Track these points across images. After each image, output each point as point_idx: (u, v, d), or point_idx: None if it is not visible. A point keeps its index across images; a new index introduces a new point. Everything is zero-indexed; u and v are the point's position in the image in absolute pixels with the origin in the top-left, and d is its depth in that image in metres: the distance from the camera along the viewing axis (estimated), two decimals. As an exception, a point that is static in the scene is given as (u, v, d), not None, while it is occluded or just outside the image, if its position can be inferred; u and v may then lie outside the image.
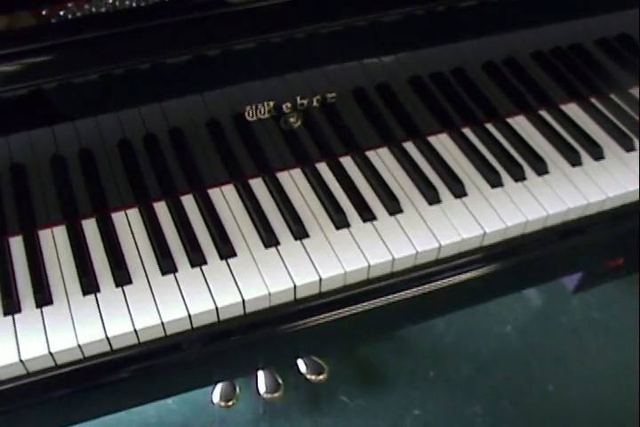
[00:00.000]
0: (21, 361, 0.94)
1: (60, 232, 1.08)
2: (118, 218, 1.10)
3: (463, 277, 1.13)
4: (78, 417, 1.08)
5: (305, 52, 1.10)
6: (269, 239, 1.07)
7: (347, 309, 1.08)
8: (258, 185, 1.15)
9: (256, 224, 1.09)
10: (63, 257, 1.05)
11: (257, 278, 1.03)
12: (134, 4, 1.00)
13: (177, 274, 1.03)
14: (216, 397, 1.62)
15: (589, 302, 2.09)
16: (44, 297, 1.00)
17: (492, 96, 1.27)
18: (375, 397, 1.87)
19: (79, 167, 1.09)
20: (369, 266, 1.05)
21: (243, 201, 1.13)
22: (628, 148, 1.24)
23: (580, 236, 1.19)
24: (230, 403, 1.62)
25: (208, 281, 1.02)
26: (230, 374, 1.32)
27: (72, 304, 0.99)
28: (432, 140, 1.23)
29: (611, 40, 1.34)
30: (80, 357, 0.98)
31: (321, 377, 1.67)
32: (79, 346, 0.96)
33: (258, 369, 1.58)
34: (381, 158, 1.20)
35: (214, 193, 1.13)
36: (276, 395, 1.62)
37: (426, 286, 1.11)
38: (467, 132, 1.25)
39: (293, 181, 1.16)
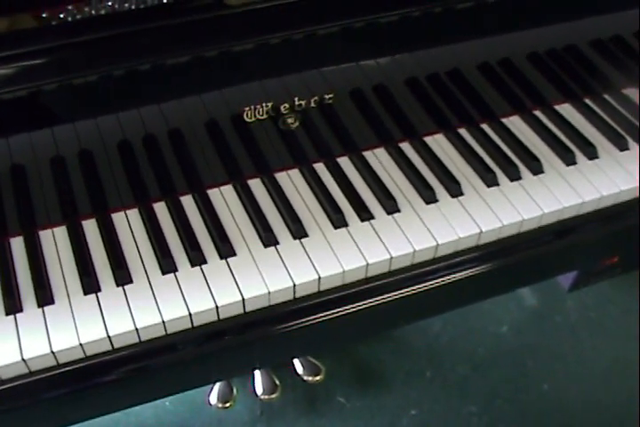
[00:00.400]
0: (24, 360, 0.94)
1: (61, 232, 1.08)
2: (118, 218, 1.11)
3: (460, 275, 1.13)
4: (79, 416, 1.09)
5: (302, 53, 1.11)
6: (268, 239, 1.08)
7: (345, 307, 1.09)
8: (256, 185, 1.16)
9: (255, 224, 1.10)
10: (64, 257, 1.06)
11: (256, 277, 1.04)
12: (133, 7, 1.01)
13: (177, 273, 1.04)
14: (213, 398, 1.62)
15: (584, 302, 2.10)
16: (45, 297, 1.00)
17: (487, 97, 1.28)
18: (372, 397, 1.88)
19: (79, 168, 1.10)
20: (367, 265, 1.06)
21: (242, 201, 1.13)
22: (622, 147, 1.25)
23: (575, 234, 1.20)
24: (227, 404, 1.62)
25: (208, 280, 1.03)
26: (230, 373, 1.33)
27: (73, 304, 1.00)
28: (428, 140, 1.24)
29: (605, 41, 1.35)
30: (82, 355, 0.98)
31: (318, 378, 1.67)
32: (81, 345, 0.96)
33: (257, 368, 1.58)
34: (378, 158, 1.21)
35: (213, 193, 1.14)
36: (273, 396, 1.62)
37: (423, 284, 1.12)
38: (463, 132, 1.26)
39: (292, 182, 1.17)
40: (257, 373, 1.64)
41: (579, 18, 1.26)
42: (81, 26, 0.99)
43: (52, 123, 1.04)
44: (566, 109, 1.32)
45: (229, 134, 1.14)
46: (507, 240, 1.15)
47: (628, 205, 1.22)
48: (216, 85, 1.09)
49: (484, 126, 1.27)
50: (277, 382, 1.63)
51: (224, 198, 1.14)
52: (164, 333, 1.01)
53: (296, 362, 1.66)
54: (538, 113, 1.30)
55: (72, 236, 1.08)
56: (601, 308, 2.09)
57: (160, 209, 1.12)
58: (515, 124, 1.28)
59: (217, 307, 1.01)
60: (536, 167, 1.20)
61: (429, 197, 1.15)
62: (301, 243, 1.08)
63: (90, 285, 1.02)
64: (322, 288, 1.07)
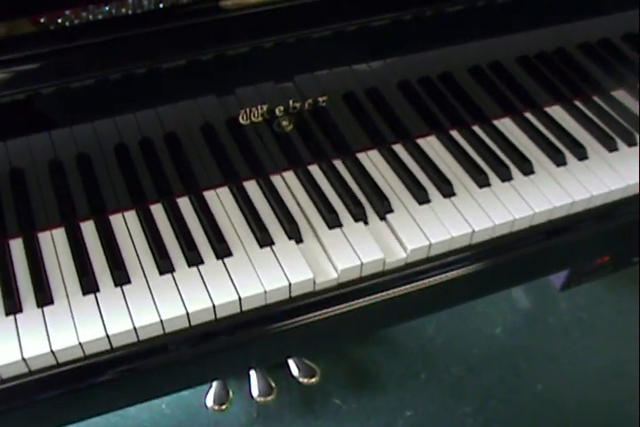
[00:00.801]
0: (24, 359, 0.95)
1: (60, 234, 1.09)
2: (116, 220, 1.11)
3: (453, 274, 1.15)
4: (78, 415, 1.09)
5: (296, 56, 1.12)
6: (264, 239, 1.09)
7: (340, 306, 1.10)
8: (252, 187, 1.17)
9: (251, 225, 1.11)
10: (63, 258, 1.07)
11: (253, 277, 1.05)
12: (130, 12, 1.02)
13: (174, 273, 1.05)
14: (210, 401, 1.62)
15: (577, 303, 2.12)
16: (44, 297, 1.01)
17: (478, 99, 1.30)
18: (367, 399, 1.89)
19: (77, 171, 1.11)
20: (362, 264, 1.07)
21: (237, 203, 1.14)
22: (611, 148, 1.26)
23: (566, 234, 1.21)
24: (224, 407, 1.62)
25: (205, 280, 1.04)
26: (227, 372, 1.34)
27: (72, 304, 1.01)
28: (421, 142, 1.25)
29: (593, 45, 1.37)
30: (81, 355, 0.99)
31: (313, 380, 1.67)
32: (80, 344, 0.97)
33: (253, 367, 1.59)
34: (372, 160, 1.23)
35: (210, 195, 1.15)
36: (269, 398, 1.63)
37: (417, 283, 1.13)
38: (454, 134, 1.27)
39: (286, 183, 1.18)
40: (253, 375, 1.64)
41: (567, 21, 1.28)
42: (78, 31, 1.00)
43: (49, 127, 1.05)
44: (556, 111, 1.33)
45: (225, 137, 1.16)
46: (499, 240, 1.17)
47: (618, 205, 1.23)
48: (212, 89, 1.11)
49: (476, 128, 1.28)
50: (273, 384, 1.64)
51: (220, 200, 1.15)
52: (161, 332, 1.02)
53: (292, 364, 1.67)
54: (528, 115, 1.32)
55: (70, 237, 1.09)
56: (593, 308, 2.11)
57: (157, 211, 1.13)
58: (506, 125, 1.30)
59: (214, 306, 1.02)
60: (527, 168, 1.22)
61: (422, 197, 1.16)
62: (296, 243, 1.10)
63: (88, 285, 1.03)
64: (317, 288, 1.08)
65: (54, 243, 1.09)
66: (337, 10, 1.10)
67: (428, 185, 1.18)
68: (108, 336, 0.98)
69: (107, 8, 1.01)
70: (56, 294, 1.02)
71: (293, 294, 1.07)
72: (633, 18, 1.33)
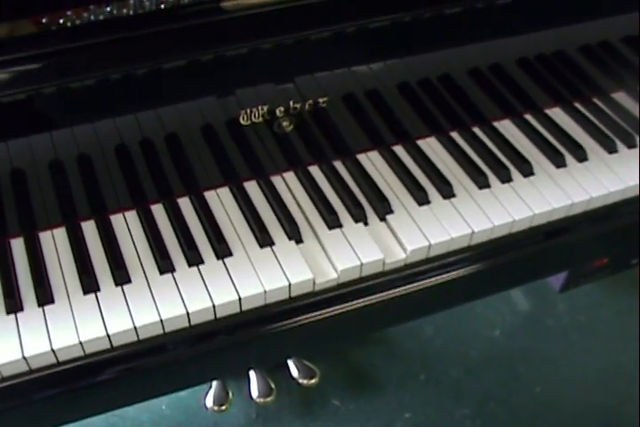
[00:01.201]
0: (24, 358, 0.96)
1: (60, 234, 1.10)
2: (117, 220, 1.12)
3: (452, 275, 1.15)
4: (78, 414, 1.10)
5: (297, 58, 1.13)
6: (264, 239, 1.09)
7: (339, 306, 1.10)
8: (252, 187, 1.17)
9: (251, 225, 1.12)
10: (63, 258, 1.07)
11: (252, 277, 1.05)
12: (131, 13, 1.03)
13: (175, 273, 1.05)
14: (209, 401, 1.62)
15: (576, 305, 2.12)
16: (45, 296, 1.01)
17: (478, 101, 1.30)
18: (366, 400, 1.89)
19: (78, 171, 1.11)
20: (361, 265, 1.08)
21: (238, 203, 1.15)
22: (611, 150, 1.27)
23: (565, 235, 1.22)
24: (223, 407, 1.62)
25: (205, 280, 1.04)
26: (227, 372, 1.35)
27: (73, 303, 1.01)
28: (421, 143, 1.26)
29: (593, 47, 1.37)
30: (81, 354, 0.99)
31: (313, 381, 1.68)
32: (80, 343, 0.97)
33: (253, 367, 1.59)
34: (372, 161, 1.23)
35: (210, 195, 1.16)
36: (269, 399, 1.63)
37: (416, 284, 1.13)
38: (454, 135, 1.27)
39: (286, 184, 1.19)
40: (252, 376, 1.65)
41: (568, 23, 1.29)
42: (80, 31, 1.01)
43: (50, 127, 1.06)
44: (556, 113, 1.34)
45: (225, 137, 1.16)
46: (498, 241, 1.17)
47: (617, 207, 1.24)
48: (212, 89, 1.11)
49: (476, 130, 1.29)
50: (273, 385, 1.64)
51: (220, 200, 1.15)
52: (161, 331, 1.02)
53: (291, 365, 1.68)
54: (528, 117, 1.32)
55: (71, 237, 1.09)
56: (592, 310, 2.11)
57: (158, 211, 1.13)
58: (506, 127, 1.30)
59: (214, 306, 1.02)
60: (527, 169, 1.22)
61: (422, 198, 1.16)
62: (296, 243, 1.10)
63: (89, 284, 1.03)
64: (317, 288, 1.08)
65: (55, 242, 1.09)
66: (337, 11, 1.10)
67: (427, 186, 1.19)
68: (108, 335, 0.99)
69: (108, 9, 1.01)
70: (57, 293, 1.03)
71: (293, 295, 1.07)
72: (633, 20, 1.33)
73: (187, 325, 1.03)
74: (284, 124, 1.18)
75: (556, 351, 2.01)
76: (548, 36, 1.31)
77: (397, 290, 1.12)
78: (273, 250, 1.09)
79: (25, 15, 0.99)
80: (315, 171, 1.20)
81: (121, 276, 1.04)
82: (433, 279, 1.14)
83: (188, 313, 1.01)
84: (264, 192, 1.17)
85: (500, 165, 1.22)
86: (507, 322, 2.08)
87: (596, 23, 1.32)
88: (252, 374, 1.64)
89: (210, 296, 1.03)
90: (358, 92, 1.22)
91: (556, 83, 1.35)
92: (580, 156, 1.25)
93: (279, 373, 1.67)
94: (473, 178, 1.21)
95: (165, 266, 1.06)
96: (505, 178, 1.21)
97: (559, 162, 1.24)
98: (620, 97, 1.38)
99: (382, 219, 1.15)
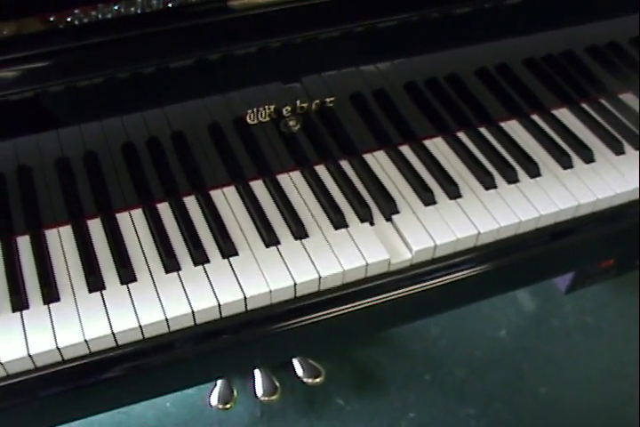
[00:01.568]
0: (30, 356, 0.96)
1: (67, 232, 1.10)
2: (123, 218, 1.12)
3: (458, 275, 1.15)
4: (82, 412, 1.10)
5: (304, 57, 1.13)
6: (270, 239, 1.09)
7: (344, 306, 1.10)
8: (258, 187, 1.17)
9: (257, 224, 1.12)
10: (69, 256, 1.07)
11: (258, 276, 1.05)
12: (139, 11, 1.03)
13: (180, 272, 1.05)
14: (214, 399, 1.63)
15: (581, 306, 2.12)
16: (51, 294, 1.02)
17: (485, 101, 1.30)
18: (370, 400, 1.89)
19: (84, 169, 1.11)
20: (367, 265, 1.08)
21: (244, 202, 1.15)
22: (618, 151, 1.27)
23: (572, 237, 1.21)
24: (228, 406, 1.63)
25: (211, 279, 1.04)
26: (232, 371, 1.35)
27: (78, 301, 1.02)
28: (427, 143, 1.26)
29: (601, 47, 1.37)
30: (86, 352, 0.99)
31: (317, 380, 1.68)
32: (85, 341, 0.98)
33: (258, 366, 1.59)
34: (378, 161, 1.23)
35: (216, 194, 1.16)
36: (274, 398, 1.63)
37: (422, 284, 1.13)
38: (461, 136, 1.27)
39: (293, 183, 1.19)
40: (257, 374, 1.65)
41: (575, 24, 1.28)
42: (87, 29, 1.01)
43: (57, 125, 1.06)
44: (563, 114, 1.34)
45: (232, 136, 1.16)
46: (504, 241, 1.17)
47: (624, 208, 1.23)
48: (219, 88, 1.11)
49: (483, 130, 1.28)
50: (277, 383, 1.64)
51: (227, 199, 1.15)
52: (167, 330, 1.02)
53: (296, 364, 1.68)
54: (535, 117, 1.32)
55: (77, 235, 1.09)
56: (598, 312, 2.10)
57: (164, 209, 1.13)
58: (513, 128, 1.30)
59: (219, 305, 1.02)
60: (533, 170, 1.22)
61: (428, 198, 1.16)
62: (302, 243, 1.10)
63: (95, 283, 1.03)
64: (322, 287, 1.08)
65: (61, 240, 1.09)
66: (345, 11, 1.10)
67: (434, 186, 1.18)
68: (113, 334, 0.99)
69: (116, 7, 1.01)
70: (62, 291, 1.03)
71: (298, 294, 1.07)
72: (641, 21, 1.33)
73: (192, 323, 1.03)
74: (291, 123, 1.18)
75: (560, 352, 2.01)
76: (555, 36, 1.30)
77: (403, 290, 1.12)
78: (278, 249, 1.09)
79: (33, 13, 0.99)
80: (321, 170, 1.20)
81: (127, 274, 1.04)
82: (438, 280, 1.14)
83: (193, 312, 1.01)
84: (270, 191, 1.17)
85: (506, 166, 1.22)
86: (512, 323, 2.07)
87: (603, 24, 1.32)
88: (256, 372, 1.65)
89: (215, 295, 1.03)
90: (365, 92, 1.22)
91: (563, 83, 1.35)
92: (587, 157, 1.25)
93: (284, 371, 1.67)
94: (479, 178, 1.20)
95: (171, 265, 1.06)
96: (511, 178, 1.20)
97: (566, 163, 1.23)
98: (628, 98, 1.38)
99: (388, 219, 1.15)
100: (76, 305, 1.01)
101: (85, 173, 1.12)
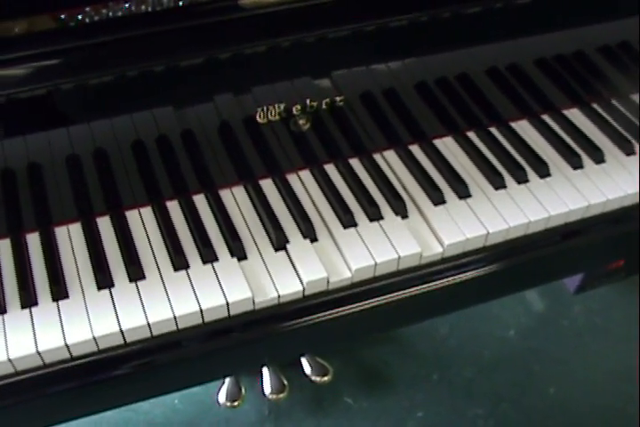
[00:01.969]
0: (38, 353, 0.96)
1: (76, 229, 1.10)
2: (132, 216, 1.12)
3: (467, 275, 1.14)
4: (90, 409, 1.11)
5: (314, 56, 1.13)
6: (279, 238, 1.09)
7: (353, 306, 1.10)
8: (268, 185, 1.17)
9: (265, 223, 1.12)
10: (78, 253, 1.07)
11: (265, 276, 1.05)
12: (149, 9, 1.03)
13: (189, 270, 1.05)
14: (222, 397, 1.63)
15: (591, 307, 2.11)
16: (60, 291, 1.02)
17: (495, 101, 1.30)
18: (378, 399, 1.89)
19: (94, 167, 1.12)
20: (375, 264, 1.08)
21: (252, 201, 1.15)
22: (629, 151, 1.26)
23: (582, 237, 1.21)
24: (236, 403, 1.63)
25: (219, 277, 1.04)
26: (239, 369, 1.35)
27: (87, 298, 1.02)
28: (437, 143, 1.26)
29: (612, 47, 1.36)
30: (94, 349, 1.00)
31: (325, 379, 1.68)
32: (94, 338, 0.98)
33: (265, 365, 1.59)
34: (388, 161, 1.23)
35: (225, 193, 1.16)
36: (281, 396, 1.64)
37: (430, 284, 1.13)
38: (471, 135, 1.27)
39: (302, 182, 1.18)
40: (265, 373, 1.65)
41: (586, 24, 1.28)
42: (98, 27, 1.01)
43: (68, 122, 1.06)
44: (574, 114, 1.33)
45: (241, 135, 1.16)
46: (513, 242, 1.16)
47: (634, 209, 1.23)
48: (229, 87, 1.11)
49: (493, 130, 1.28)
50: (285, 382, 1.65)
51: (235, 198, 1.15)
52: (175, 328, 1.02)
53: (304, 362, 1.68)
54: (546, 117, 1.31)
55: (87, 232, 1.09)
56: (607, 313, 2.10)
57: (173, 208, 1.13)
58: (523, 128, 1.30)
59: (227, 303, 1.02)
60: (543, 170, 1.21)
61: (438, 198, 1.16)
62: (311, 242, 1.10)
63: (103, 280, 1.03)
64: (330, 287, 1.08)
65: (70, 238, 1.10)
66: (355, 10, 1.10)
67: (443, 186, 1.18)
68: (121, 331, 0.99)
69: (126, 5, 1.01)
70: (71, 289, 1.03)
71: (307, 293, 1.07)
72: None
73: (200, 322, 1.03)
74: (301, 122, 1.18)
75: (569, 352, 2.00)
76: (566, 36, 1.30)
77: (411, 290, 1.12)
78: (287, 248, 1.09)
79: (44, 11, 0.99)
80: (330, 169, 1.20)
81: (135, 272, 1.05)
82: (447, 279, 1.14)
83: (201, 310, 1.01)
84: (279, 190, 1.17)
85: (516, 166, 1.21)
86: (521, 323, 2.07)
87: (614, 24, 1.32)
88: (265, 370, 1.65)
89: (224, 294, 1.03)
90: (375, 91, 1.22)
91: (574, 83, 1.34)
92: (597, 157, 1.24)
93: (292, 370, 1.67)
94: (489, 178, 1.20)
95: (180, 263, 1.06)
96: (521, 179, 1.20)
97: (576, 163, 1.23)
98: (638, 98, 1.37)
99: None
100: (85, 302, 1.01)
101: (95, 171, 1.12)
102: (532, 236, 1.17)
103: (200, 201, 1.15)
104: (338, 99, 1.18)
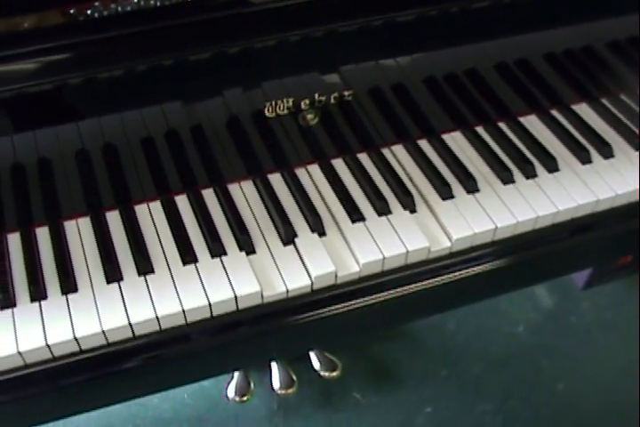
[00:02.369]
0: (47, 345, 0.97)
1: (85, 223, 1.11)
2: (141, 210, 1.13)
3: (475, 270, 1.15)
4: (98, 402, 1.11)
5: (323, 51, 1.13)
6: (287, 231, 1.09)
7: (361, 300, 1.10)
8: (276, 180, 1.18)
9: (273, 217, 1.12)
10: (88, 247, 1.08)
11: (274, 271, 1.06)
12: (158, 4, 1.03)
13: (197, 264, 1.06)
14: (231, 392, 1.63)
15: (600, 303, 2.11)
16: (69, 285, 1.02)
17: (504, 96, 1.30)
18: (387, 394, 1.89)
19: (103, 162, 1.12)
20: (383, 258, 1.08)
21: (261, 195, 1.15)
22: (637, 146, 1.26)
23: (590, 232, 1.21)
24: (245, 398, 1.63)
25: (228, 271, 1.05)
26: (248, 363, 1.35)
27: (96, 292, 1.02)
28: (446, 137, 1.26)
29: (621, 42, 1.36)
30: (103, 342, 1.00)
31: (334, 374, 1.68)
32: (103, 332, 0.98)
33: (274, 359, 1.60)
34: (396, 155, 1.23)
35: (234, 187, 1.16)
36: (290, 391, 1.64)
37: (438, 278, 1.13)
38: (480, 130, 1.27)
39: (310, 176, 1.19)
40: (274, 368, 1.65)
41: (595, 19, 1.28)
42: (107, 22, 1.01)
43: (77, 117, 1.06)
44: (582, 109, 1.33)
45: (250, 129, 1.16)
46: (522, 237, 1.17)
47: (643, 205, 1.23)
48: (238, 81, 1.11)
49: (501, 125, 1.28)
50: (294, 377, 1.65)
51: (244, 192, 1.16)
52: (184, 322, 1.03)
53: (313, 358, 1.68)
54: (554, 112, 1.31)
55: (96, 227, 1.10)
56: (616, 308, 2.10)
57: (182, 202, 1.14)
58: (531, 122, 1.30)
59: (236, 297, 1.02)
60: (552, 165, 1.21)
61: (446, 192, 1.16)
62: (319, 237, 1.10)
63: (112, 274, 1.04)
64: (338, 281, 1.08)
65: (80, 232, 1.10)
66: (364, 4, 1.10)
67: (451, 181, 1.18)
68: (130, 324, 1.00)
69: (135, 0, 1.01)
70: (80, 282, 1.04)
71: (315, 287, 1.07)
72: (663, 16, 1.32)
73: (208, 315, 1.04)
74: (309, 116, 1.18)
75: (578, 349, 2.00)
76: (575, 31, 1.30)
77: (419, 284, 1.12)
78: (295, 243, 1.09)
79: (53, 6, 0.99)
80: (339, 164, 1.21)
81: (144, 266, 1.05)
82: (456, 274, 1.14)
83: (209, 304, 1.02)
84: (288, 185, 1.17)
85: (524, 161, 1.21)
86: (530, 319, 2.07)
87: (624, 19, 1.31)
88: (273, 365, 1.65)
89: (232, 288, 1.03)
90: (384, 86, 1.22)
91: (583, 78, 1.34)
92: (606, 152, 1.24)
93: (301, 365, 1.67)
94: (497, 173, 1.20)
95: (188, 257, 1.06)
96: (530, 174, 1.20)
97: (585, 158, 1.23)
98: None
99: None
100: (94, 296, 1.02)
101: (104, 166, 1.13)
102: (540, 231, 1.17)
103: (209, 195, 1.15)
104: (346, 93, 1.18)
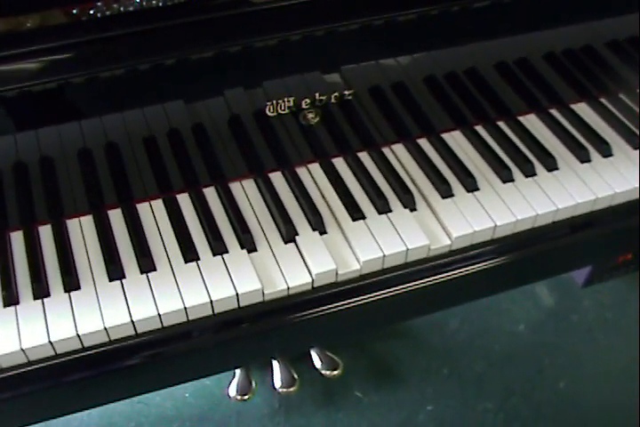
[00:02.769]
0: (50, 342, 0.97)
1: (88, 221, 1.11)
2: (143, 208, 1.13)
3: (474, 268, 1.15)
4: (101, 399, 1.12)
5: (324, 50, 1.13)
6: (288, 230, 1.10)
7: (362, 297, 1.11)
8: (277, 179, 1.18)
9: (275, 216, 1.13)
10: (90, 245, 1.09)
11: (275, 268, 1.06)
12: (160, 3, 1.04)
13: (199, 262, 1.06)
14: (232, 390, 1.63)
15: (601, 301, 2.11)
16: (71, 282, 1.03)
17: (504, 95, 1.30)
18: (389, 392, 1.90)
19: (105, 161, 1.13)
20: (384, 256, 1.08)
21: (262, 194, 1.16)
22: (636, 145, 1.26)
23: (589, 230, 1.21)
24: (246, 397, 1.63)
25: (229, 269, 1.05)
26: (249, 360, 1.36)
27: (99, 289, 1.03)
28: (446, 136, 1.26)
29: (621, 42, 1.37)
30: (106, 340, 1.01)
31: (336, 373, 1.68)
32: (105, 329, 0.99)
33: (276, 358, 1.60)
34: (396, 154, 1.23)
35: (235, 186, 1.17)
36: (292, 390, 1.64)
37: (438, 276, 1.13)
38: (479, 129, 1.28)
39: (311, 175, 1.19)
40: (276, 366, 1.65)
41: (594, 19, 1.28)
42: (110, 22, 1.02)
43: (79, 116, 1.07)
44: (581, 108, 1.33)
45: (251, 128, 1.17)
46: (521, 234, 1.17)
47: (642, 203, 1.23)
48: (240, 81, 1.12)
49: (501, 124, 1.29)
50: (296, 375, 1.65)
51: (245, 191, 1.16)
52: (185, 319, 1.04)
53: (314, 356, 1.68)
54: (553, 111, 1.32)
55: (98, 225, 1.11)
56: (617, 307, 2.10)
57: (183, 200, 1.15)
58: (531, 121, 1.30)
59: (237, 295, 1.03)
60: (551, 164, 1.22)
61: (446, 191, 1.17)
62: (320, 235, 1.11)
63: (115, 271, 1.05)
64: (339, 279, 1.09)
65: (82, 230, 1.11)
66: (364, 4, 1.11)
67: (451, 179, 1.19)
68: (132, 322, 1.00)
69: (138, 0, 1.02)
70: (83, 280, 1.04)
71: (316, 285, 1.08)
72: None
73: (210, 313, 1.05)
74: (310, 115, 1.18)
75: (579, 347, 2.01)
76: (575, 30, 1.30)
77: (420, 282, 1.13)
78: (296, 241, 1.10)
79: (56, 6, 1.00)
80: (339, 163, 1.21)
81: (146, 263, 1.06)
82: (455, 272, 1.14)
83: (211, 301, 1.02)
84: (289, 183, 1.17)
85: (524, 160, 1.22)
86: (531, 317, 2.07)
87: (624, 18, 1.32)
88: (275, 364, 1.65)
89: (233, 285, 1.04)
90: (384, 85, 1.23)
91: (582, 78, 1.35)
92: (605, 151, 1.25)
93: (302, 364, 1.68)
94: (497, 172, 1.21)
95: (190, 254, 1.07)
96: (529, 172, 1.21)
97: (583, 157, 1.24)
98: (648, 93, 1.38)
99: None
100: (97, 293, 1.03)
101: (106, 164, 1.13)
102: (539, 229, 1.18)
103: (210, 194, 1.16)
104: (347, 93, 1.18)
